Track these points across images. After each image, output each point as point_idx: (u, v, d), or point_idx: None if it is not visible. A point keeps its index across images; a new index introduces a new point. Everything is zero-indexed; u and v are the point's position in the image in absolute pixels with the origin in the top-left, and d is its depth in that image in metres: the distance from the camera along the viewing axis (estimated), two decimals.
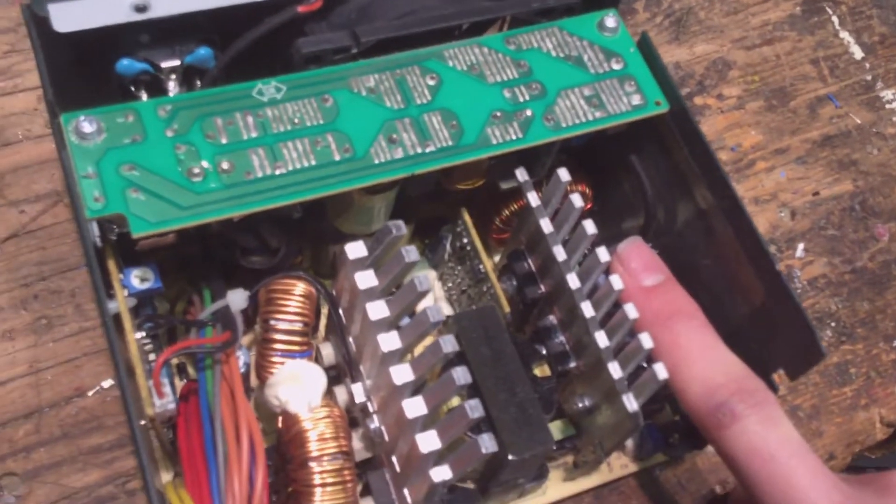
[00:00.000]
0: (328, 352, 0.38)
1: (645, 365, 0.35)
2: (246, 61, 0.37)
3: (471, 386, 0.36)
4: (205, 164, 0.33)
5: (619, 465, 0.43)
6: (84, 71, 0.35)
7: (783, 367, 0.36)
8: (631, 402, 0.34)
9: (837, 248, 0.51)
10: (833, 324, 0.49)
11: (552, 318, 0.40)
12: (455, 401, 0.36)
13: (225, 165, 0.33)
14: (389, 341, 0.32)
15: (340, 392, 0.37)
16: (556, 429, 0.41)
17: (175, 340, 0.40)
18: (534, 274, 0.40)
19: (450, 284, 0.44)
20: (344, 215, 0.38)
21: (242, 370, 0.36)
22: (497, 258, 0.45)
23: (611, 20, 0.39)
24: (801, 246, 0.51)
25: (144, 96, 0.36)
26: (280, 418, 0.35)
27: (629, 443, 0.42)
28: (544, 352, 0.40)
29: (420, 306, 0.43)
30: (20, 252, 0.43)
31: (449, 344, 0.32)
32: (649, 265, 0.38)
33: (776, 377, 0.36)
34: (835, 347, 0.48)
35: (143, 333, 0.36)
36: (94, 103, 0.33)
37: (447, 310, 0.43)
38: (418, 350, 0.34)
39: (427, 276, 0.33)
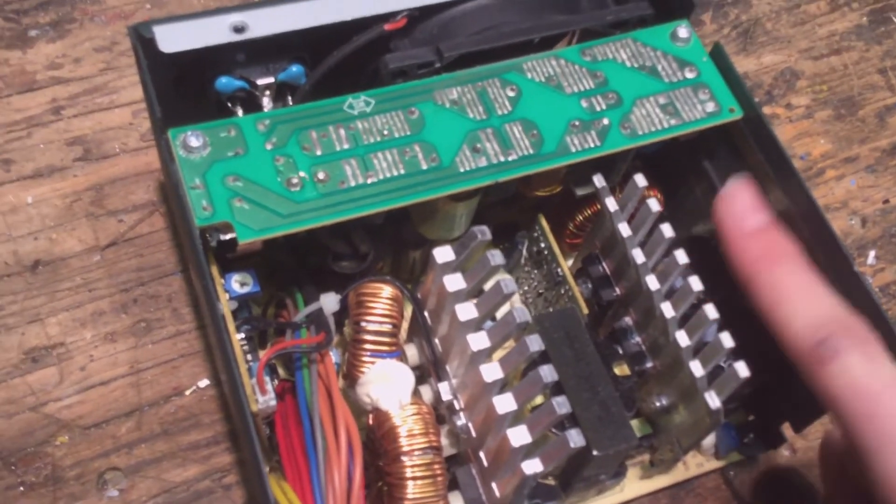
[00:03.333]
0: (412, 352, 0.40)
1: (724, 364, 0.36)
2: (334, 77, 0.39)
3: (555, 384, 0.37)
4: (302, 174, 0.35)
5: (695, 463, 0.44)
6: (183, 88, 0.38)
7: None
8: (714, 400, 0.35)
9: None
10: None
11: (628, 320, 0.41)
12: (539, 399, 0.37)
13: (321, 175, 0.35)
14: (479, 341, 0.34)
15: (426, 391, 0.39)
16: (633, 427, 0.42)
17: (265, 343, 0.42)
18: (609, 277, 0.42)
19: (525, 288, 0.45)
20: (428, 221, 0.39)
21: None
22: (570, 262, 0.46)
23: (683, 31, 0.40)
24: (872, 253, 0.51)
25: (240, 112, 0.39)
26: (371, 415, 0.37)
27: (706, 442, 0.43)
28: (620, 353, 0.41)
29: (503, 308, 0.45)
30: (119, 259, 0.46)
31: (535, 343, 0.34)
32: (755, 206, 0.36)
33: None
34: None
35: (241, 335, 0.38)
36: (191, 119, 0.36)
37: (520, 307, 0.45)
38: (502, 350, 0.36)
39: (512, 280, 0.35)
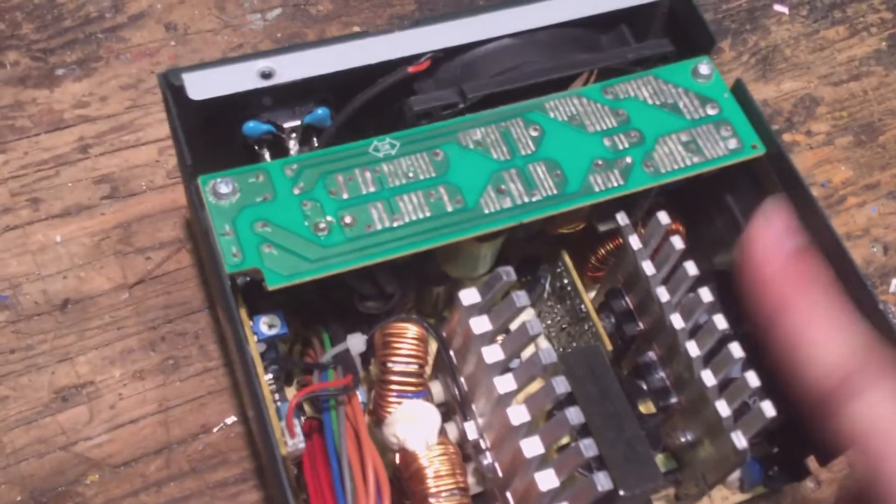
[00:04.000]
0: (437, 390, 0.40)
1: (750, 402, 0.37)
2: (359, 119, 0.40)
3: (581, 424, 0.37)
4: (329, 218, 0.35)
5: (720, 496, 0.44)
6: (211, 132, 0.38)
7: None
8: (740, 440, 0.35)
9: None
10: None
11: (651, 355, 0.41)
12: (565, 439, 0.38)
13: (348, 220, 0.35)
14: (505, 384, 0.34)
15: (451, 429, 0.39)
16: (658, 462, 0.42)
17: (291, 380, 0.43)
18: (632, 311, 0.42)
19: (548, 322, 0.45)
20: (452, 261, 0.40)
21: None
22: (592, 294, 0.46)
23: (704, 67, 0.40)
24: (894, 282, 0.51)
25: (267, 155, 0.39)
26: (398, 455, 0.37)
27: (731, 475, 0.43)
28: (645, 387, 0.41)
29: (528, 348, 0.45)
30: (147, 296, 0.46)
31: (561, 385, 0.34)
32: (792, 228, 0.34)
33: None
34: None
35: (270, 376, 0.38)
36: (219, 162, 0.36)
37: (545, 346, 0.45)
38: (527, 388, 0.36)
39: (537, 321, 0.35)
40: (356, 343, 0.38)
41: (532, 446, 0.33)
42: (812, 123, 0.57)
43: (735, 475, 0.43)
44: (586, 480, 0.33)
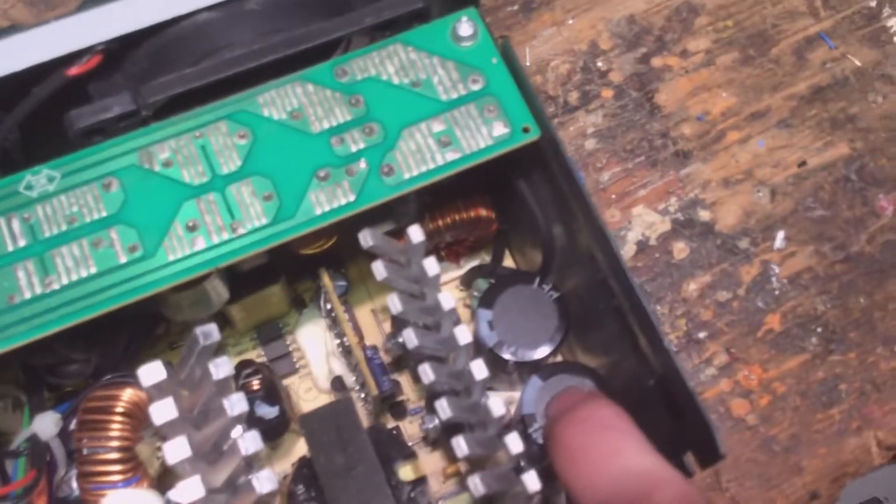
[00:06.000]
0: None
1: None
2: (38, 140, 0.31)
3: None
4: None
5: None
6: None
7: (692, 451, 0.29)
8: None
9: (827, 231, 0.43)
10: (819, 329, 0.41)
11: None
12: None
13: None
14: (190, 490, 0.27)
15: None
16: (465, 502, 0.36)
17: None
18: None
19: (337, 341, 0.38)
20: (168, 307, 0.32)
21: (77, 492, 0.31)
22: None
23: (466, 26, 0.31)
24: (780, 234, 0.43)
25: None
26: None
27: None
28: (437, 422, 0.34)
29: (315, 365, 0.38)
30: None
31: (267, 483, 0.27)
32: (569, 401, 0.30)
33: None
34: (820, 360, 0.40)
35: None
36: None
37: (338, 368, 0.37)
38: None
39: (241, 400, 0.27)
40: (45, 425, 0.31)
41: None
42: (689, 40, 0.47)
43: None
44: None
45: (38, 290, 0.28)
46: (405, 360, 0.37)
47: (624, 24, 0.47)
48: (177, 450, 0.27)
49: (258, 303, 0.36)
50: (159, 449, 0.34)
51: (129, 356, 0.33)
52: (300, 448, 0.36)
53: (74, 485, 0.32)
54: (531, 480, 0.28)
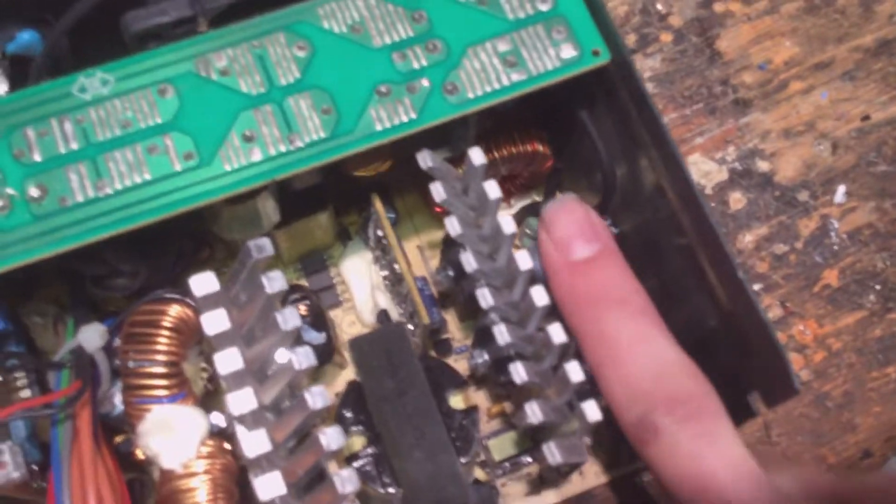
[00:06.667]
0: None
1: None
2: (90, 44, 0.30)
3: (370, 429, 0.30)
4: (10, 191, 0.27)
5: (593, 472, 0.36)
6: None
7: (759, 390, 0.28)
8: (553, 454, 0.28)
9: (889, 187, 0.41)
10: (878, 286, 0.40)
11: (492, 317, 0.33)
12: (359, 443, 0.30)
13: (34, 192, 0.27)
14: (242, 402, 0.26)
15: None
16: (510, 442, 0.35)
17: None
18: None
19: (383, 273, 0.37)
20: (218, 224, 0.31)
21: (120, 408, 0.31)
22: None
23: None
24: (841, 189, 0.41)
25: None
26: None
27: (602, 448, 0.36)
28: (486, 357, 0.33)
29: (359, 298, 0.37)
30: None
31: (319, 399, 0.26)
32: (581, 232, 0.29)
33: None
34: (878, 318, 0.39)
35: (2, 376, 0.31)
36: None
37: (384, 301, 0.37)
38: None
39: (294, 313, 0.27)
40: (90, 336, 0.30)
41: (268, 485, 0.26)
42: None
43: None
44: None
45: (91, 194, 0.27)
46: (453, 295, 0.36)
47: None
48: (229, 361, 0.27)
49: (304, 231, 0.36)
50: (204, 370, 0.33)
51: (174, 276, 0.33)
52: (342, 379, 0.35)
53: (117, 401, 0.31)
54: (591, 410, 0.27)
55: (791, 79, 0.44)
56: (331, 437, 0.25)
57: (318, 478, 0.27)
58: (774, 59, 0.44)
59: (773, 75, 0.44)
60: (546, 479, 0.35)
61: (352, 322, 0.38)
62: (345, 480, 0.25)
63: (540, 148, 0.35)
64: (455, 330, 0.37)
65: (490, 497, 0.32)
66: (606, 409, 0.27)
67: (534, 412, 0.27)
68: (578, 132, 0.34)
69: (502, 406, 0.35)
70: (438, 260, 0.36)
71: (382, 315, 0.36)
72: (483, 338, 0.33)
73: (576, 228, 0.28)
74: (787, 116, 0.43)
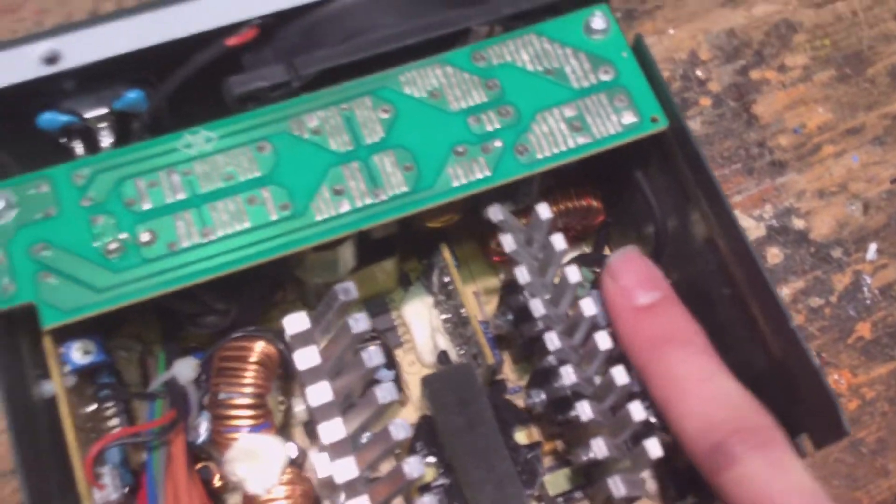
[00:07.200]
0: (301, 408, 0.35)
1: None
2: (189, 104, 0.33)
3: (441, 461, 0.32)
4: (124, 236, 0.30)
5: None
6: (10, 128, 0.33)
7: (808, 432, 0.30)
8: (618, 487, 0.30)
9: None
10: None
11: (552, 359, 0.35)
12: (430, 474, 0.32)
13: (145, 237, 0.30)
14: (332, 431, 0.29)
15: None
16: (563, 477, 0.37)
17: None
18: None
19: (444, 316, 0.39)
20: (302, 268, 0.34)
21: (205, 436, 0.33)
22: (503, 276, 0.40)
23: (599, 20, 0.33)
24: (873, 247, 0.44)
25: (80, 149, 0.33)
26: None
27: (651, 485, 0.38)
28: (543, 396, 0.35)
29: (420, 340, 0.40)
30: None
31: (401, 430, 0.28)
32: (643, 281, 0.32)
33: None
34: None
35: (97, 405, 0.34)
36: (28, 166, 0.31)
37: (443, 343, 0.39)
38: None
39: (378, 350, 0.29)
40: (184, 369, 0.32)
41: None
42: (787, 56, 0.48)
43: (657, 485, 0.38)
44: None
45: (197, 240, 0.30)
46: (508, 338, 0.38)
47: (723, 36, 0.48)
48: (320, 394, 0.29)
49: (370, 276, 0.38)
50: (282, 402, 0.36)
51: (258, 315, 0.35)
52: (404, 414, 0.38)
53: (202, 430, 0.33)
54: (653, 447, 0.29)
55: (824, 142, 0.46)
56: (413, 466, 0.28)
57: None
58: (808, 124, 0.47)
59: (807, 139, 0.46)
60: None
61: (412, 362, 0.40)
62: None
63: (594, 203, 0.38)
64: (509, 371, 0.39)
65: None
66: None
67: (599, 448, 0.29)
68: (630, 190, 0.37)
69: (555, 444, 0.37)
70: (495, 305, 0.39)
71: (443, 356, 0.39)
72: (540, 378, 0.35)
73: (639, 277, 0.31)
74: (820, 177, 0.46)
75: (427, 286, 0.40)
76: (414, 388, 0.37)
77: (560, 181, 0.36)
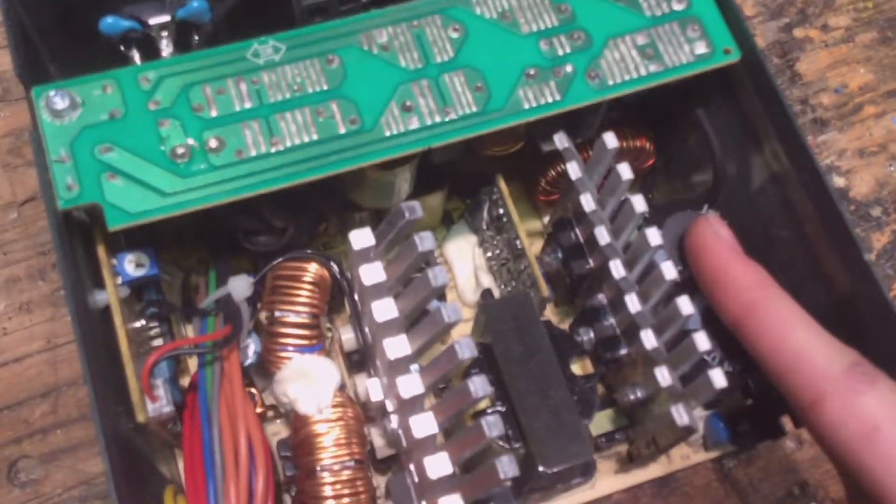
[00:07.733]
0: (349, 336, 0.35)
1: (709, 359, 0.31)
2: (251, 15, 0.33)
3: (499, 388, 0.32)
4: (191, 141, 0.29)
5: (680, 455, 0.38)
6: (70, 31, 0.32)
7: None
8: (681, 416, 0.30)
9: None
10: None
11: (602, 297, 0.35)
12: (484, 401, 0.32)
13: (213, 143, 0.29)
14: (397, 348, 0.28)
15: (362, 381, 0.34)
16: (606, 418, 0.37)
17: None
18: (581, 246, 0.35)
19: (490, 254, 0.39)
20: (359, 190, 0.34)
21: (252, 359, 0.33)
22: (547, 218, 0.40)
23: None
24: None
25: (137, 58, 0.33)
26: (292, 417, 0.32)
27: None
28: (592, 335, 0.35)
29: (461, 278, 0.39)
30: (39, 217, 0.41)
31: (466, 349, 0.28)
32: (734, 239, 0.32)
33: None
34: None
35: (143, 322, 0.33)
36: (85, 70, 0.30)
37: (487, 281, 0.39)
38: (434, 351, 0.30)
39: (443, 271, 0.29)
40: (239, 286, 0.32)
41: (423, 425, 0.27)
42: (830, 16, 0.48)
43: (697, 433, 0.38)
44: (489, 465, 0.27)
45: (264, 149, 0.29)
46: (552, 281, 0.38)
47: None
48: (385, 309, 0.29)
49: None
50: (328, 329, 0.35)
51: (309, 239, 0.35)
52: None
53: (250, 352, 0.33)
54: (718, 378, 0.29)
55: (865, 103, 0.46)
56: (478, 385, 0.27)
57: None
58: (850, 84, 0.47)
59: (849, 98, 0.46)
60: (634, 458, 0.37)
61: (452, 300, 0.40)
62: (490, 425, 0.27)
63: (647, 145, 0.38)
64: (550, 314, 0.39)
65: (589, 469, 0.34)
66: None
67: (664, 377, 0.29)
68: (685, 132, 0.37)
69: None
70: (537, 249, 0.38)
71: (487, 294, 0.38)
72: (589, 317, 0.35)
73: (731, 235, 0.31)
74: (861, 137, 0.46)
75: (471, 224, 0.40)
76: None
77: (617, 120, 0.36)
